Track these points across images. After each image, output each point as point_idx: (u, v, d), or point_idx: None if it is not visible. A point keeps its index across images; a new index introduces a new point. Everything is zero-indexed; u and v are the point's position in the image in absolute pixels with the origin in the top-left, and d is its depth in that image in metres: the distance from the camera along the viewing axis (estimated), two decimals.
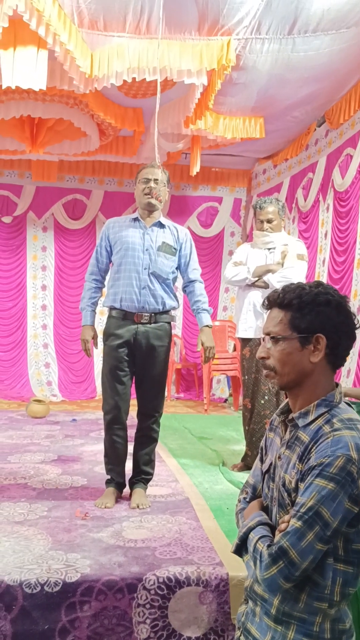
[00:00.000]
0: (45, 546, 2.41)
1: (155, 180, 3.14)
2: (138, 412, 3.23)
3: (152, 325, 3.12)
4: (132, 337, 3.09)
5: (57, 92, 4.81)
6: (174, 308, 3.23)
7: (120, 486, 3.21)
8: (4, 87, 3.98)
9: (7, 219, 7.56)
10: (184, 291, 3.37)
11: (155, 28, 4.08)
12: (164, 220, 3.24)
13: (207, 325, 3.26)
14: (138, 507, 2.99)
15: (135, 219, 3.20)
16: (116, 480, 3.19)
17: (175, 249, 3.22)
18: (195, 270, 3.34)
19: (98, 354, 7.83)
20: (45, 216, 7.65)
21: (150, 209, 3.18)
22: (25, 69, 3.89)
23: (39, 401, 5.91)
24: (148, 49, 4.17)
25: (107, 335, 3.15)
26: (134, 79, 4.35)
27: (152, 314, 3.12)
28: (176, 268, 3.27)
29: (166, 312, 3.18)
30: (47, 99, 5.05)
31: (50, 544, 2.44)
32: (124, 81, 4.38)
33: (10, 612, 2.03)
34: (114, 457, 3.19)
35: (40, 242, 7.71)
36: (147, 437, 3.22)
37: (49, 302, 7.72)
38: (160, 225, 3.22)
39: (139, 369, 3.16)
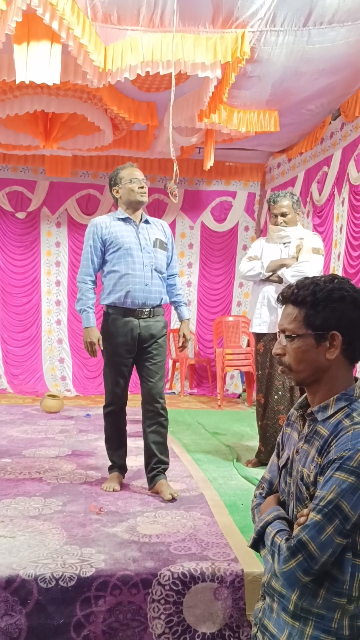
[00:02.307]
0: (60, 541, 2.41)
1: (143, 179, 3.25)
2: (143, 402, 3.28)
3: (152, 319, 3.23)
4: (136, 332, 3.18)
5: (70, 87, 4.81)
6: (166, 302, 3.35)
7: (123, 469, 3.37)
8: (17, 82, 3.96)
9: (21, 215, 7.58)
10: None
11: (169, 21, 4.05)
12: (146, 216, 3.33)
13: (187, 318, 3.49)
14: (172, 496, 3.04)
15: (125, 219, 3.26)
16: (119, 464, 3.33)
17: (166, 244, 3.34)
18: (176, 264, 3.50)
19: None
20: (59, 212, 7.66)
21: (140, 206, 3.27)
22: (39, 64, 3.88)
23: (53, 396, 5.93)
24: (162, 43, 4.14)
25: (109, 333, 3.21)
26: (147, 72, 4.33)
27: (151, 309, 3.22)
28: None
29: (161, 305, 3.30)
30: (60, 93, 5.05)
31: (65, 539, 2.44)
32: (138, 75, 4.36)
33: (26, 607, 2.03)
34: (118, 440, 3.34)
35: (54, 237, 7.72)
36: (157, 424, 3.25)
37: (63, 298, 7.74)
38: (147, 222, 3.31)
39: (142, 361, 3.25)
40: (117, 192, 3.28)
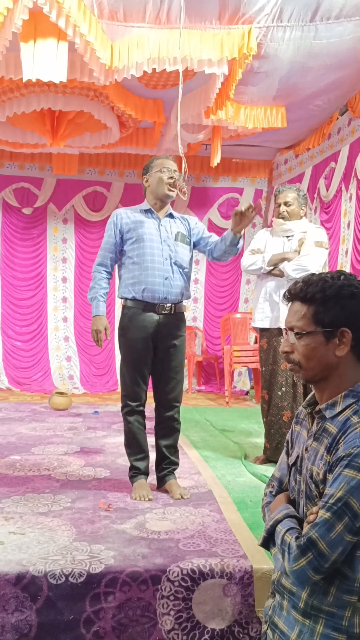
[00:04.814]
0: (70, 537, 2.42)
1: (175, 171, 3.13)
2: (158, 405, 3.21)
3: (173, 316, 3.12)
4: (155, 328, 3.07)
5: (77, 85, 4.81)
6: (188, 298, 3.24)
7: (147, 475, 3.21)
8: (24, 80, 3.97)
9: (27, 210, 7.58)
10: (212, 253, 3.21)
11: (175, 18, 4.04)
12: (173, 212, 3.24)
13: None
14: (182, 497, 3.02)
15: (148, 210, 3.17)
16: (143, 471, 3.17)
17: (188, 239, 3.22)
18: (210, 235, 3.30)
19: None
20: (65, 208, 7.66)
21: (167, 200, 3.16)
22: (46, 62, 3.88)
23: (61, 393, 5.95)
24: (168, 39, 4.14)
25: (128, 327, 3.10)
26: (154, 69, 4.32)
27: (173, 305, 3.11)
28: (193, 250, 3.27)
29: (182, 302, 3.20)
30: (67, 91, 5.05)
31: (75, 535, 2.45)
32: (144, 72, 4.36)
33: (36, 603, 2.04)
34: (140, 446, 3.17)
35: (61, 234, 7.73)
36: (171, 428, 3.21)
37: (69, 295, 7.74)
38: (171, 216, 3.22)
39: (159, 361, 3.13)
40: (147, 180, 3.18)
